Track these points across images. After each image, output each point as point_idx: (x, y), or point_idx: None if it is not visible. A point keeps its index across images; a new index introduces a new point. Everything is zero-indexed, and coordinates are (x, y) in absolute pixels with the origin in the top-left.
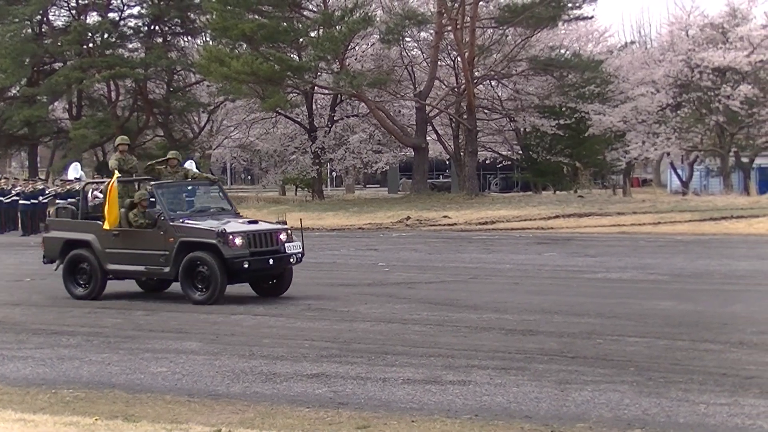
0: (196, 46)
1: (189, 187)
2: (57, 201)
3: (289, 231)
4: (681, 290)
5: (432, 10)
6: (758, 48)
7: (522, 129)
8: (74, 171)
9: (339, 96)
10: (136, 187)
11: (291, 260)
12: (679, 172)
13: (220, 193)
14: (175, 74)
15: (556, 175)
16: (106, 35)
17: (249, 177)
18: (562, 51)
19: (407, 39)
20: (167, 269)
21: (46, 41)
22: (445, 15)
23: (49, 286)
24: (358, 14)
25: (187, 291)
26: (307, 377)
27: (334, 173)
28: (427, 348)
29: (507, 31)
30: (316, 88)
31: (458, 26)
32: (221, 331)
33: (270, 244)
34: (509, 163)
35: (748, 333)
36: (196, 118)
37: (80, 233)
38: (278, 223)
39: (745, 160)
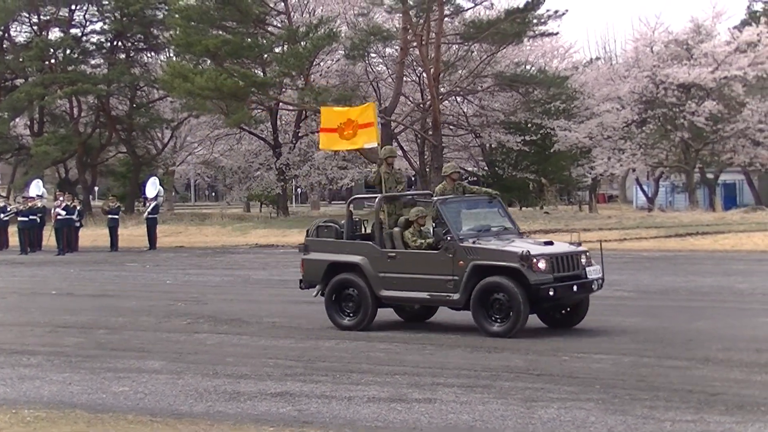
0: (159, 61)
1: (470, 203)
2: (19, 218)
3: (588, 253)
4: (647, 307)
5: (397, 26)
6: (722, 64)
7: (488, 145)
8: (36, 188)
9: (304, 112)
10: (399, 203)
11: (593, 287)
12: (645, 188)
13: (500, 210)
14: (138, 90)
15: (521, 191)
16: (68, 51)
17: (213, 194)
18: (528, 67)
19: (372, 55)
20: (456, 296)
21: (7, 57)
22: (410, 31)
23: (10, 304)
24: (322, 30)
25: (481, 321)
26: (271, 396)
27: (299, 189)
28: (393, 366)
29: (472, 47)
30: (280, 104)
31: (423, 42)
32: (184, 349)
33: (573, 269)
34: (475, 179)
35: (713, 350)
36: (160, 135)
37: (348, 255)
38: (574, 244)
39: (710, 176)
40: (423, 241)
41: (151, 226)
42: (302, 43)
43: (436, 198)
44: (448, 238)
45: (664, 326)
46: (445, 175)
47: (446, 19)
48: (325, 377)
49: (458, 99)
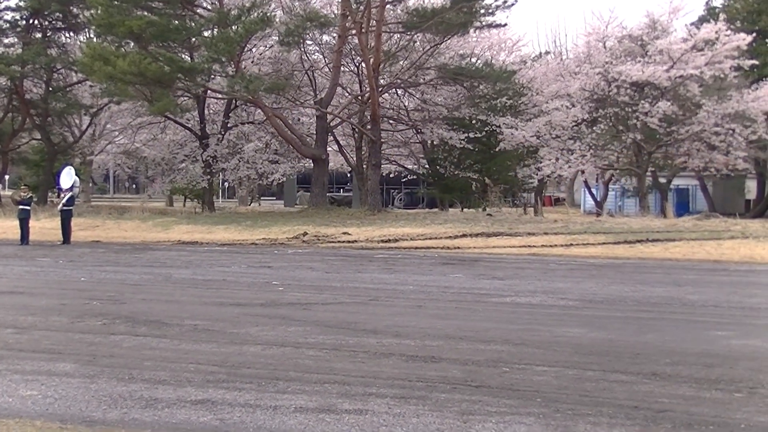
0: (78, 42)
1: None
2: None
3: None
4: (592, 317)
5: (335, 12)
6: (678, 63)
7: (429, 142)
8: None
9: (233, 101)
10: None
11: None
12: (594, 191)
13: None
14: (55, 73)
15: (464, 192)
16: None
17: (134, 186)
18: (473, 60)
19: (308, 42)
20: None
21: None
22: (349, 18)
23: None
24: (255, 14)
25: None
26: (191, 403)
27: (226, 184)
28: (322, 374)
29: (415, 36)
30: (208, 91)
31: (363, 30)
32: (98, 352)
33: None
34: (414, 177)
35: (661, 364)
36: (77, 121)
37: None
38: None
39: (662, 180)
40: None
41: (66, 218)
42: (233, 27)
43: None
44: None
45: (610, 338)
46: None
47: (388, 6)
48: (250, 384)
49: (399, 92)
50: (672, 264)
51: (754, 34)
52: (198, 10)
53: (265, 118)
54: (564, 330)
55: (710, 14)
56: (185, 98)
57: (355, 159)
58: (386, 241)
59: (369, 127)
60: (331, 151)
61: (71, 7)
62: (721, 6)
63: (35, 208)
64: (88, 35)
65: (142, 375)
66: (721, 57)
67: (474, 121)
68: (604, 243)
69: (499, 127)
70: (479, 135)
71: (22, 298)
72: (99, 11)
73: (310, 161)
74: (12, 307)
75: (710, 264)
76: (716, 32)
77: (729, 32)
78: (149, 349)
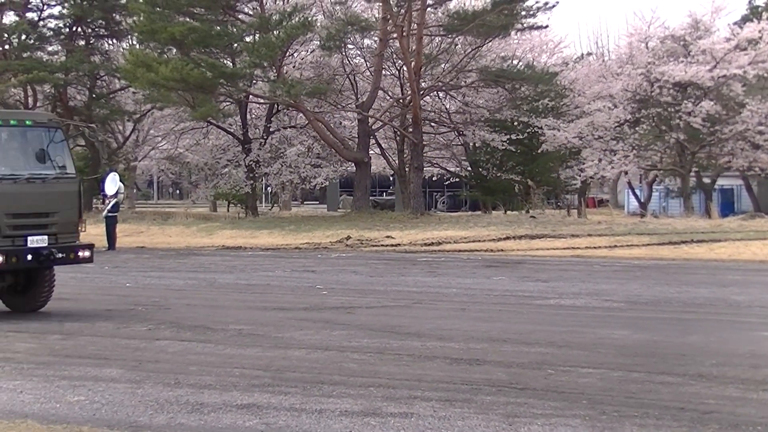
0: (121, 49)
1: None
2: None
3: None
4: (637, 318)
5: (376, 15)
6: (721, 62)
7: (471, 144)
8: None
9: (275, 106)
10: None
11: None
12: (637, 192)
13: None
14: (98, 79)
15: (506, 194)
16: (23, 36)
17: (177, 191)
18: (515, 62)
19: (349, 46)
20: None
21: None
22: (390, 21)
23: None
24: (297, 19)
25: None
26: (236, 408)
27: (269, 188)
28: (367, 378)
29: (456, 39)
30: (250, 96)
31: (404, 33)
32: (144, 357)
33: None
34: (457, 180)
35: (707, 365)
36: (121, 127)
37: None
38: None
39: (706, 180)
40: None
41: (110, 225)
42: (275, 32)
43: None
44: None
45: (656, 339)
46: None
47: (429, 9)
48: (295, 389)
49: (440, 94)
50: (717, 265)
51: None
52: (239, 16)
53: (306, 122)
54: (608, 332)
55: (753, 13)
56: (227, 103)
57: (397, 162)
58: (429, 245)
59: (410, 130)
60: (373, 155)
61: (114, 15)
62: (764, 5)
63: None
64: (130, 42)
65: (187, 380)
66: (764, 56)
67: (516, 123)
68: (648, 244)
69: (541, 128)
70: (521, 137)
71: (68, 304)
72: (141, 18)
73: (353, 165)
74: (58, 314)
75: (756, 264)
76: (759, 31)
77: None
78: (194, 354)
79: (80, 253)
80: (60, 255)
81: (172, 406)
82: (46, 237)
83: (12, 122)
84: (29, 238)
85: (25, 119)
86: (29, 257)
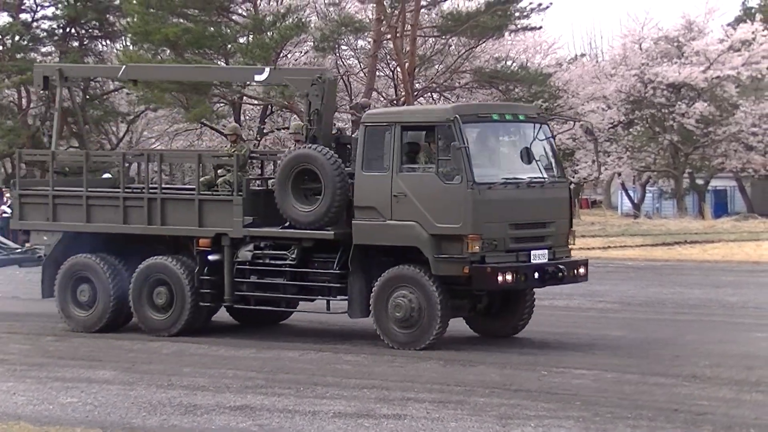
0: (115, 50)
1: None
2: None
3: None
4: (631, 319)
5: (370, 16)
6: (715, 63)
7: None
8: None
9: (269, 107)
10: None
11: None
12: (631, 193)
13: None
14: (91, 81)
15: None
16: (17, 37)
17: None
18: (509, 63)
19: (343, 47)
20: None
21: None
22: (384, 22)
23: None
24: (290, 20)
25: None
26: (230, 409)
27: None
28: (360, 379)
29: (450, 40)
30: (244, 98)
31: (398, 34)
32: (137, 359)
33: None
34: None
35: (700, 366)
36: (114, 129)
37: None
38: None
39: (699, 181)
40: None
41: None
42: (269, 33)
43: None
44: None
45: (649, 340)
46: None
47: (422, 10)
48: (288, 390)
49: (434, 95)
50: (710, 266)
51: None
52: (233, 17)
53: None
54: (602, 333)
55: (746, 15)
56: (221, 105)
57: None
58: None
59: None
60: None
61: (107, 16)
62: (757, 6)
63: None
64: (124, 43)
65: (181, 381)
66: (758, 57)
67: None
68: (641, 245)
69: None
70: None
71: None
72: (135, 19)
73: None
74: (52, 315)
75: (749, 265)
76: (753, 32)
77: (766, 32)
78: (188, 356)
79: (581, 270)
80: (565, 272)
81: (165, 407)
82: (546, 251)
83: (507, 117)
84: (532, 252)
85: (518, 113)
86: (536, 275)
